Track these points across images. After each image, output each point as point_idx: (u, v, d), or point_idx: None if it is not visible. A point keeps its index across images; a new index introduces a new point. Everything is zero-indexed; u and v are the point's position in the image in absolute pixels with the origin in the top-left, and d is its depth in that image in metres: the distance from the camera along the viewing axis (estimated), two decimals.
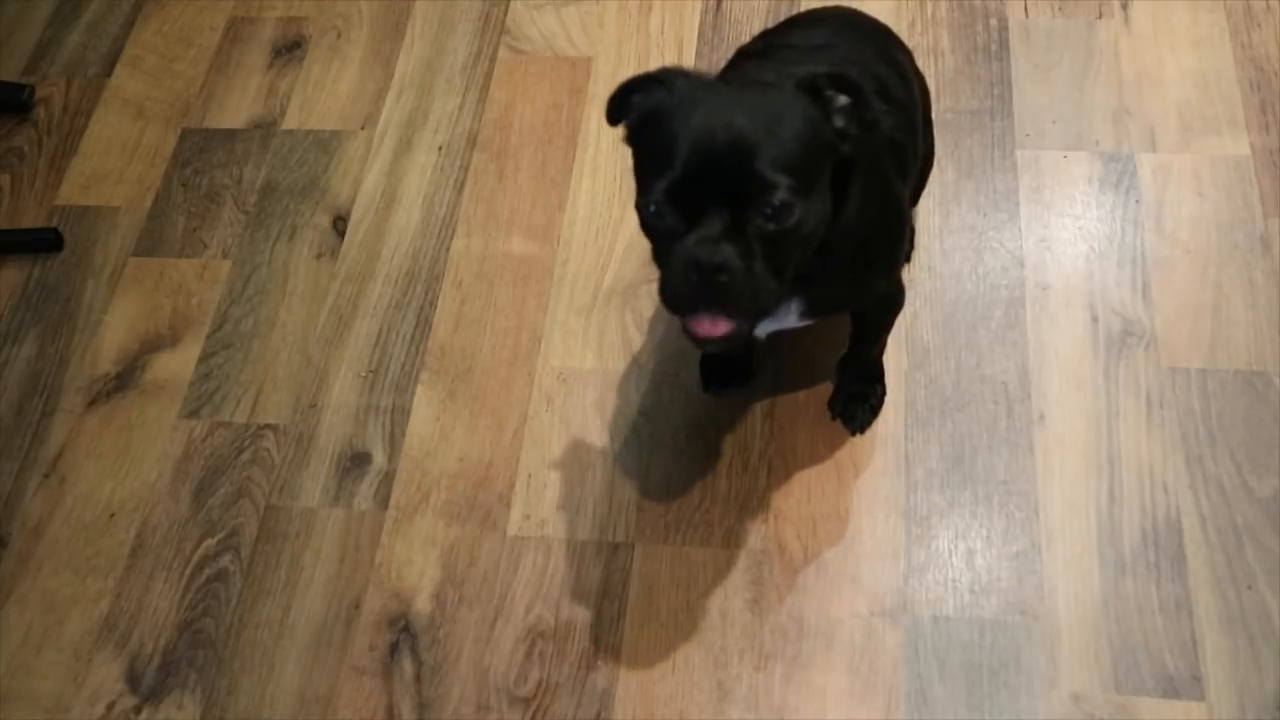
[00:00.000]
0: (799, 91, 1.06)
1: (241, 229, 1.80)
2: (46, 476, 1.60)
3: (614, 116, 1.13)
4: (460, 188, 1.79)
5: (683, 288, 1.02)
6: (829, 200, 1.08)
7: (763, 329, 1.24)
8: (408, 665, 1.42)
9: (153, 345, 1.70)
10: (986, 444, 1.49)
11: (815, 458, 1.50)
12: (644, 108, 1.09)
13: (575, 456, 1.54)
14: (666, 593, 1.43)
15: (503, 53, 1.93)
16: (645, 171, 1.06)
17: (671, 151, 1.01)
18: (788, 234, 1.02)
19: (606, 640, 1.41)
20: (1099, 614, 1.37)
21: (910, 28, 1.83)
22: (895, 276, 1.34)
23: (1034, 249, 1.63)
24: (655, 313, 1.64)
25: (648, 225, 1.06)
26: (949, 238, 1.65)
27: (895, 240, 1.28)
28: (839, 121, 1.06)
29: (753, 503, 1.48)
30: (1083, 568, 1.40)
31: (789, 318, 1.22)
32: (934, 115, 1.65)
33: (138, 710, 1.42)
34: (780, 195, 1.00)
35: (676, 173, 1.01)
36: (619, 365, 1.60)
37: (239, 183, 1.84)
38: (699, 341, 1.07)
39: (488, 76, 1.90)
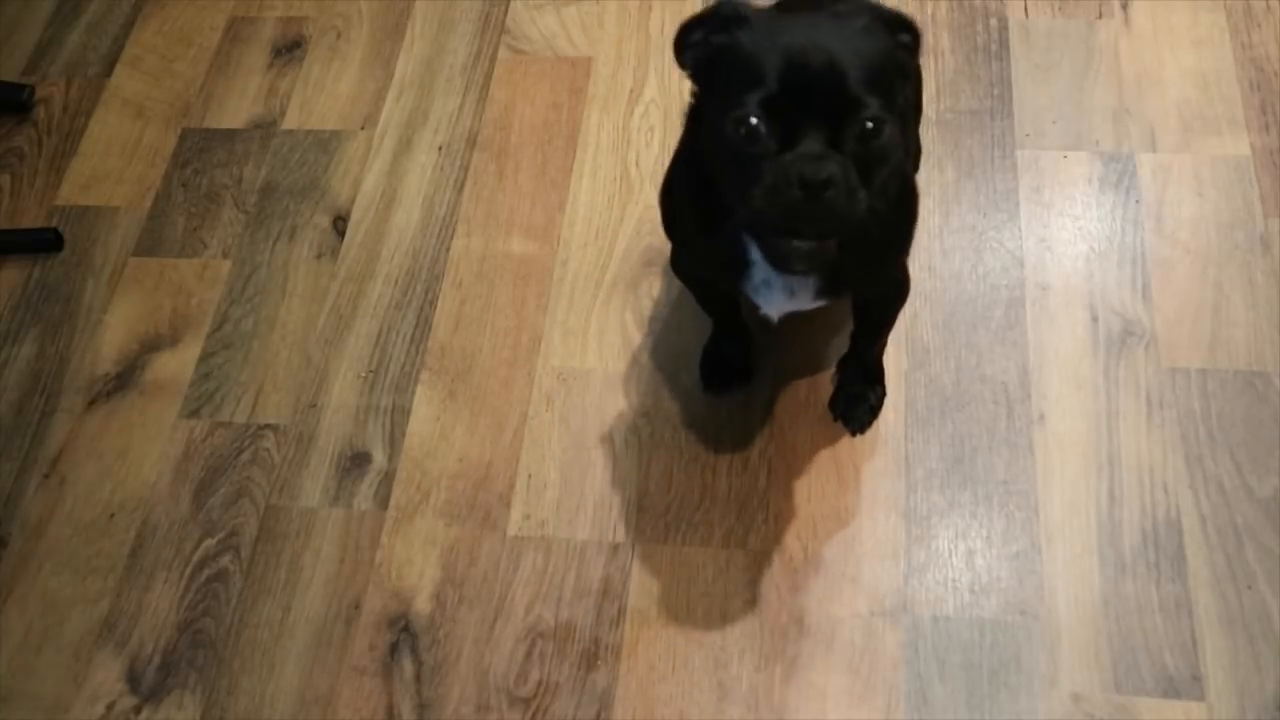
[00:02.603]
0: (874, 20, 1.06)
1: (241, 229, 1.80)
2: (46, 476, 1.60)
3: (682, 53, 1.12)
4: (460, 188, 1.79)
5: (779, 205, 1.00)
6: (902, 135, 1.08)
7: (778, 310, 1.25)
8: (408, 665, 1.42)
9: (153, 345, 1.70)
10: (986, 444, 1.49)
11: (815, 458, 1.50)
12: (715, 39, 1.08)
13: (575, 456, 1.54)
14: (666, 593, 1.43)
15: (503, 53, 1.93)
16: (729, 91, 1.03)
17: (761, 69, 1.00)
18: (879, 154, 1.02)
19: (606, 640, 1.41)
20: (1099, 614, 1.37)
21: None
22: (904, 262, 1.34)
23: (1034, 249, 1.63)
24: (655, 312, 1.64)
25: (732, 144, 1.02)
26: (949, 238, 1.65)
27: (909, 218, 1.28)
28: (905, 57, 1.08)
29: (753, 503, 1.48)
30: (1083, 568, 1.40)
31: (806, 297, 1.22)
32: (934, 115, 1.66)
33: (138, 710, 1.42)
34: (873, 112, 1.00)
35: (772, 87, 1.00)
36: (619, 365, 1.60)
37: (239, 183, 1.84)
38: (786, 260, 1.06)
39: (488, 76, 1.90)
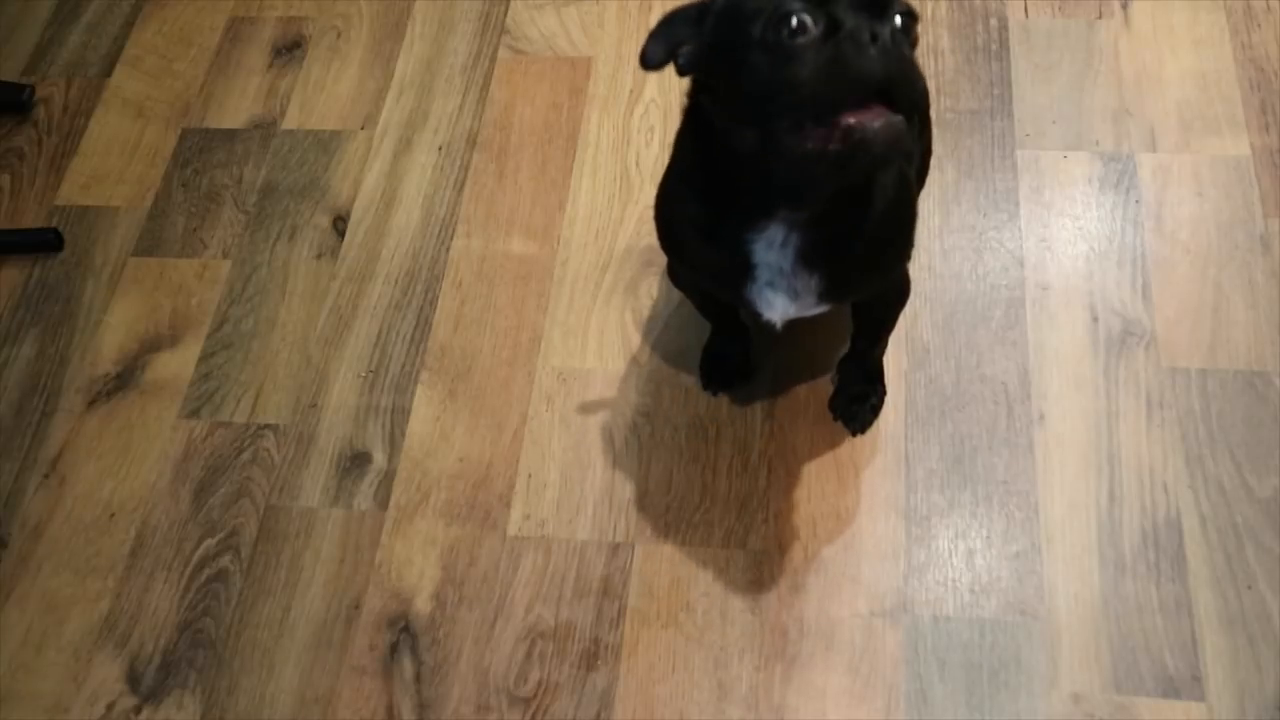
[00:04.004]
0: None
1: (241, 229, 1.80)
2: (46, 476, 1.60)
3: (658, 56, 1.06)
4: (460, 188, 1.79)
5: (855, 73, 0.94)
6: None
7: (782, 314, 1.24)
8: (408, 665, 1.42)
9: (153, 345, 1.70)
10: (986, 444, 1.49)
11: (815, 458, 1.50)
12: (709, 25, 1.04)
13: (575, 456, 1.54)
14: (666, 593, 1.43)
15: (503, 53, 1.93)
16: (747, 19, 0.99)
17: None
18: (912, 64, 1.00)
19: (606, 640, 1.41)
20: (1099, 614, 1.37)
21: None
22: (905, 265, 1.34)
23: (1034, 249, 1.63)
24: (655, 312, 1.64)
25: (778, 46, 0.96)
26: (949, 238, 1.65)
27: (910, 219, 1.28)
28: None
29: (753, 503, 1.48)
30: (1083, 568, 1.40)
31: (809, 302, 1.21)
32: (934, 115, 1.66)
33: (138, 710, 1.42)
34: (907, 9, 0.99)
35: None
36: (619, 365, 1.60)
37: (239, 183, 1.84)
38: (864, 143, 0.95)
39: (488, 76, 1.90)
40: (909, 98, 0.99)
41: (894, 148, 0.98)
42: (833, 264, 1.18)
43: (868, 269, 1.24)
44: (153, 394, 1.66)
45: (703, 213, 1.19)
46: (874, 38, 0.95)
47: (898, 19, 0.99)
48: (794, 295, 1.20)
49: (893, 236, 1.25)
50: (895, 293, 1.38)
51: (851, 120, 0.96)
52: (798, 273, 1.17)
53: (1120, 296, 1.58)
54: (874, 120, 0.96)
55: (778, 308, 1.22)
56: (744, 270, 1.19)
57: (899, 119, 0.97)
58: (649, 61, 1.06)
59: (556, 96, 1.86)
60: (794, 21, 0.96)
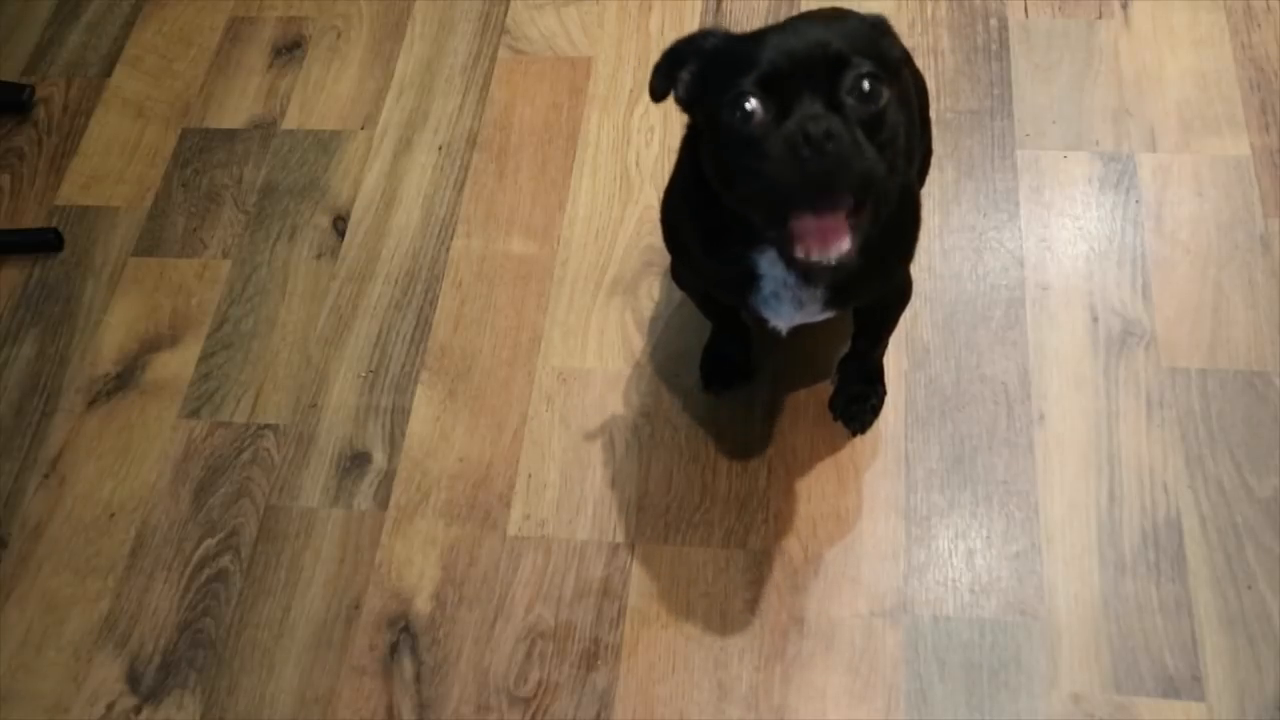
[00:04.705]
0: (858, 20, 1.10)
1: (241, 229, 1.80)
2: (46, 476, 1.60)
3: (662, 93, 1.13)
4: (460, 188, 1.79)
5: (791, 172, 0.98)
6: (901, 115, 1.08)
7: (786, 322, 1.24)
8: (408, 665, 1.42)
9: (153, 345, 1.70)
10: (986, 444, 1.49)
11: (815, 458, 1.50)
12: (700, 61, 1.10)
13: (575, 456, 1.54)
14: (666, 593, 1.43)
15: (503, 53, 1.93)
16: (722, 87, 1.04)
17: (750, 57, 1.02)
18: (879, 118, 1.02)
19: (606, 640, 1.41)
20: (1099, 614, 1.37)
21: (910, 28, 1.83)
22: (908, 268, 1.34)
23: (1034, 249, 1.63)
24: (655, 312, 1.64)
25: (735, 132, 1.02)
26: (949, 238, 1.65)
27: (914, 226, 1.28)
28: (892, 54, 1.10)
29: (753, 503, 1.48)
30: (1083, 568, 1.40)
31: (814, 309, 1.22)
32: (934, 115, 1.65)
33: (138, 710, 1.42)
34: (868, 69, 1.01)
35: (763, 66, 1.01)
36: (619, 365, 1.60)
37: (239, 183, 1.84)
38: (810, 266, 1.02)
39: (488, 76, 1.90)
40: (853, 185, 1.01)
41: (836, 267, 1.04)
42: (840, 272, 1.17)
43: (872, 276, 1.24)
44: (153, 394, 1.66)
45: (705, 229, 1.20)
46: (810, 134, 0.97)
47: (865, 82, 1.01)
48: (799, 305, 1.20)
49: (897, 243, 1.25)
50: (897, 295, 1.38)
51: (799, 250, 1.01)
52: (802, 283, 1.18)
53: (1120, 296, 1.58)
54: (825, 237, 1.00)
55: (783, 316, 1.23)
56: (749, 281, 1.19)
57: (845, 251, 1.01)
58: (654, 95, 1.13)
59: (556, 96, 1.86)
60: (742, 111, 1.01)
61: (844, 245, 1.01)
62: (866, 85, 1.01)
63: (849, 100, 1.01)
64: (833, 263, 1.01)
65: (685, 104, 1.14)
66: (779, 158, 0.99)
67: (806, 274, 1.10)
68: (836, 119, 0.99)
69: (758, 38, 1.05)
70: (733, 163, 1.05)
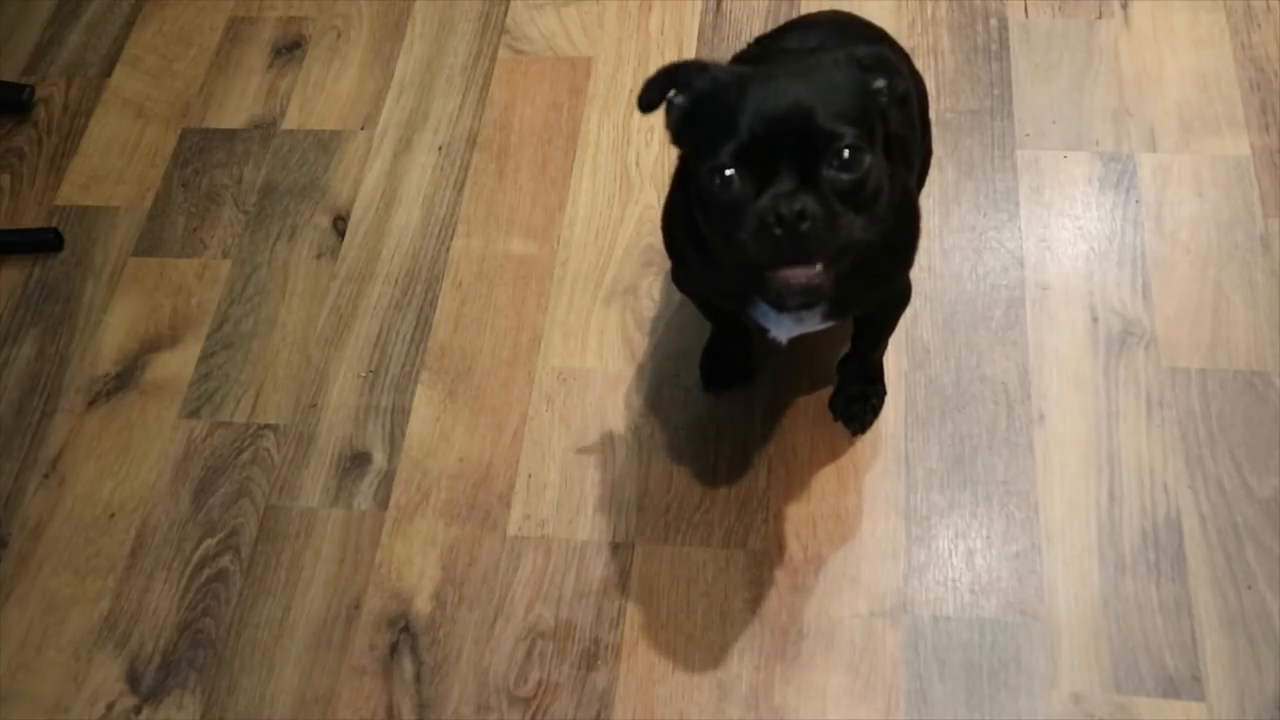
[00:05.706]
0: (846, 60, 1.09)
1: (241, 229, 1.80)
2: (46, 476, 1.60)
3: (650, 104, 1.14)
4: (460, 188, 1.79)
5: (765, 245, 1.02)
6: (886, 164, 1.09)
7: (786, 333, 1.25)
8: (408, 665, 1.42)
9: (153, 345, 1.70)
10: (986, 444, 1.49)
11: (815, 458, 1.50)
12: (690, 98, 1.11)
13: (575, 456, 1.54)
14: (666, 593, 1.43)
15: (503, 53, 1.93)
16: (706, 146, 1.06)
17: (733, 123, 1.03)
18: (859, 184, 1.03)
19: (606, 640, 1.41)
20: (1099, 614, 1.37)
21: (910, 28, 1.83)
22: (907, 273, 1.34)
23: (1034, 249, 1.63)
24: (655, 313, 1.64)
25: (714, 196, 1.05)
26: (949, 238, 1.65)
27: (913, 233, 1.28)
28: (881, 99, 1.10)
29: (753, 503, 1.48)
30: (1083, 568, 1.40)
31: (814, 320, 1.22)
32: (934, 115, 1.65)
33: (138, 710, 1.42)
34: (848, 141, 1.02)
35: (742, 136, 1.02)
36: (619, 365, 1.60)
37: (239, 183, 1.84)
38: (786, 296, 1.06)
39: (488, 76, 1.90)
40: (827, 255, 1.03)
41: (813, 300, 1.10)
42: (837, 283, 1.17)
43: (871, 287, 1.24)
44: (153, 394, 1.66)
45: (701, 249, 1.20)
46: (782, 215, 1.00)
47: (845, 152, 1.02)
48: (798, 316, 1.20)
49: (896, 253, 1.25)
50: (897, 298, 1.38)
51: (776, 274, 1.04)
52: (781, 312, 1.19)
53: (1120, 296, 1.58)
54: (796, 273, 1.03)
55: (782, 327, 1.23)
56: (747, 293, 1.19)
57: (811, 282, 1.04)
58: (642, 106, 1.14)
59: (556, 96, 1.86)
60: (722, 180, 1.04)
61: (814, 274, 1.04)
62: (846, 154, 1.02)
63: (828, 173, 1.02)
64: (805, 301, 1.09)
65: (673, 136, 1.15)
66: (753, 232, 1.02)
67: (780, 306, 1.14)
68: (810, 198, 1.01)
69: (742, 85, 1.05)
70: (715, 223, 1.08)
